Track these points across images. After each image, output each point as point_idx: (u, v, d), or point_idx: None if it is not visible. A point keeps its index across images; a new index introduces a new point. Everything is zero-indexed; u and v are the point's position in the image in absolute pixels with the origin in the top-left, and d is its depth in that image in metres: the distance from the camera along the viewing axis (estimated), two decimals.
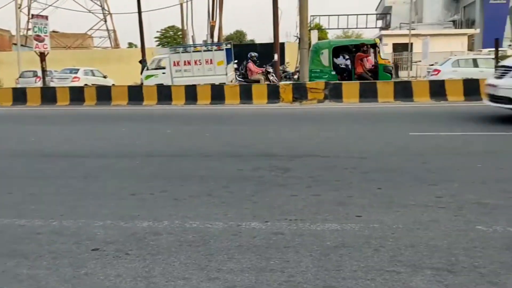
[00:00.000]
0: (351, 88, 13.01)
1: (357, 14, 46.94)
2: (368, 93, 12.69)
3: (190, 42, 25.96)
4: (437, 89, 12.48)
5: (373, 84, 13.21)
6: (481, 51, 28.81)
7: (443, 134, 6.82)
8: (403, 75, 27.54)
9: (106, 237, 2.94)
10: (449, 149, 5.74)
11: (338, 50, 15.84)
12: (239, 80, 17.13)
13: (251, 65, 16.86)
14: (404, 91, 12.64)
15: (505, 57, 23.80)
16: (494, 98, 7.88)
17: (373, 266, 2.42)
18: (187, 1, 26.19)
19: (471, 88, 12.27)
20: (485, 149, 5.69)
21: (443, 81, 13.10)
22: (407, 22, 32.01)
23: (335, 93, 12.90)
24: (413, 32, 28.31)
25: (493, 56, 15.58)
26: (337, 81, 13.90)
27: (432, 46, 25.03)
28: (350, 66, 15.73)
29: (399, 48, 30.36)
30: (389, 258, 2.51)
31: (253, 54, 17.20)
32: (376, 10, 53.54)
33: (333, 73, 15.65)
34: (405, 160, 5.11)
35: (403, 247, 2.65)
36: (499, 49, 16.69)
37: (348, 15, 46.28)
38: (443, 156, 5.26)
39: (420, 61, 26.77)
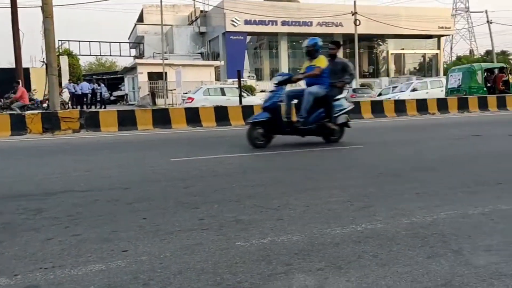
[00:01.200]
0: (108, 116, 12.67)
1: (110, 42, 46.57)
2: (126, 121, 12.58)
3: None
4: (193, 116, 13.31)
5: (131, 112, 13.19)
6: (226, 81, 32.36)
7: (202, 158, 7.25)
8: (160, 102, 28.48)
9: None
10: (207, 172, 6.11)
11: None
12: None
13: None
14: (162, 118, 13.03)
15: (246, 86, 27.24)
16: None
17: None
18: None
19: (221, 114, 13.55)
20: (237, 169, 6.28)
21: (197, 108, 14.08)
22: (159, 52, 33.37)
23: (92, 122, 12.31)
24: (166, 62, 29.67)
25: (237, 86, 17.60)
26: (94, 110, 13.40)
27: (184, 76, 26.72)
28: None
29: (154, 76, 31.35)
30: None
31: None
32: (129, 38, 54.15)
33: (485, 89, 19.52)
34: (168, 186, 5.18)
35: (171, 275, 2.62)
36: (241, 79, 18.99)
37: (100, 42, 45.44)
38: (203, 179, 5.56)
39: (174, 89, 28.20)
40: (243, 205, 4.18)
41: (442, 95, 20.60)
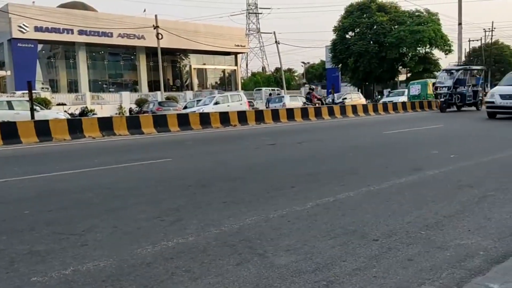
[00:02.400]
0: None
1: None
2: None
3: None
4: None
5: None
6: (14, 93, 28.72)
7: None
8: None
9: None
10: None
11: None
12: (307, 104, 24.94)
13: (314, 93, 27.99)
14: None
15: (39, 99, 24.64)
16: None
17: None
18: None
19: (9, 131, 11.90)
20: (30, 193, 5.54)
21: None
22: None
23: None
24: None
25: (28, 98, 15.75)
26: None
27: None
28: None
29: None
30: None
31: (313, 86, 34.03)
32: None
33: (433, 95, 25.73)
34: None
35: None
36: (33, 91, 17.06)
37: None
38: None
39: None
40: (39, 233, 3.69)
41: (241, 108, 22.19)
